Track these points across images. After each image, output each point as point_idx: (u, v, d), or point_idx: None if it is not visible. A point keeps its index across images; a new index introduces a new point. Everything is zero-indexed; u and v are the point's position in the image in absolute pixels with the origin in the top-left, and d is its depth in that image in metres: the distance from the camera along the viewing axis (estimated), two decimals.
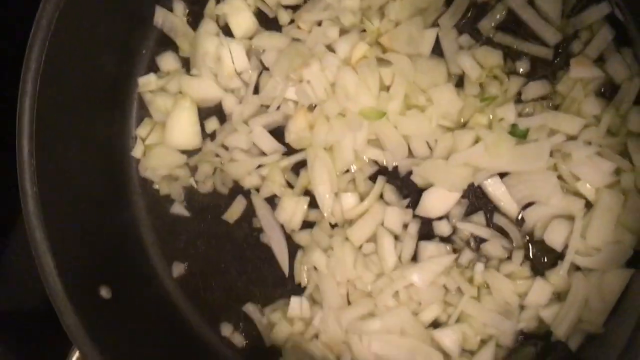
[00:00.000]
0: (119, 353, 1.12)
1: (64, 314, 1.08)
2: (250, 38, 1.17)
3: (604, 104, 0.96)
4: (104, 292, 1.16)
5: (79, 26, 1.09)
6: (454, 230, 1.08)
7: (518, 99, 1.02)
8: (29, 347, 1.35)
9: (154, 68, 1.24)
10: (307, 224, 1.16)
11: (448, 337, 1.05)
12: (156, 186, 1.27)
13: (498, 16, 1.05)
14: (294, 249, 1.17)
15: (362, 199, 1.10)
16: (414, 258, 1.08)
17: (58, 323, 1.08)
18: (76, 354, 1.16)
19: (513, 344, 1.05)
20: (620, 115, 0.93)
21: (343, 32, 1.10)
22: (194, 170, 1.24)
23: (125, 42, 1.21)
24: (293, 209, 1.13)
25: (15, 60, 1.04)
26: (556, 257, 1.01)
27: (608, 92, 0.99)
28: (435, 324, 1.08)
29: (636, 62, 0.96)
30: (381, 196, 1.10)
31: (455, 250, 1.07)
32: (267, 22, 1.18)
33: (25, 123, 1.05)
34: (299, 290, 1.17)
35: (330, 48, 1.10)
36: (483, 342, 1.06)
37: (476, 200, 1.07)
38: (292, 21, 1.15)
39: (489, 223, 1.06)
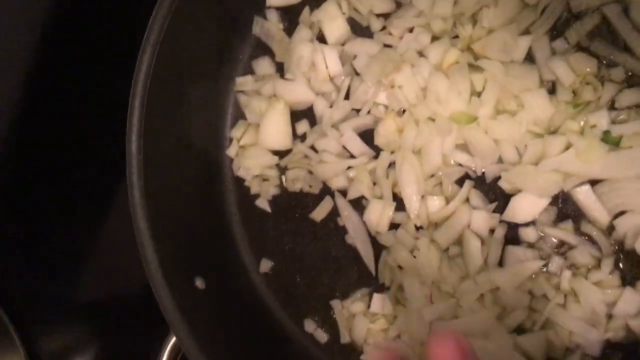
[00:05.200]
0: (211, 340, 1.18)
1: (163, 299, 1.16)
2: (343, 44, 1.21)
3: None
4: (199, 283, 1.23)
5: (185, 34, 1.17)
6: (541, 236, 1.08)
7: (611, 106, 1.01)
8: (127, 332, 1.46)
9: (250, 72, 1.30)
10: (391, 226, 1.19)
11: (532, 344, 1.05)
12: (247, 184, 1.33)
13: (591, 25, 1.04)
14: (377, 249, 1.21)
15: (447, 202, 1.12)
16: (500, 263, 1.09)
17: (155, 312, 1.16)
18: (172, 340, 1.23)
19: (599, 353, 1.04)
20: None
21: (434, 38, 1.12)
22: (283, 171, 1.30)
23: (225, 48, 1.29)
24: (380, 212, 1.16)
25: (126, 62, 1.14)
26: None
27: None
28: (519, 330, 1.09)
29: None
30: (467, 200, 1.12)
31: (541, 257, 1.07)
32: (359, 30, 1.22)
33: (135, 121, 1.13)
34: (382, 290, 1.20)
35: (421, 54, 1.13)
36: (569, 351, 1.06)
37: (565, 207, 1.06)
38: (383, 28, 1.19)
39: (577, 231, 1.05)
